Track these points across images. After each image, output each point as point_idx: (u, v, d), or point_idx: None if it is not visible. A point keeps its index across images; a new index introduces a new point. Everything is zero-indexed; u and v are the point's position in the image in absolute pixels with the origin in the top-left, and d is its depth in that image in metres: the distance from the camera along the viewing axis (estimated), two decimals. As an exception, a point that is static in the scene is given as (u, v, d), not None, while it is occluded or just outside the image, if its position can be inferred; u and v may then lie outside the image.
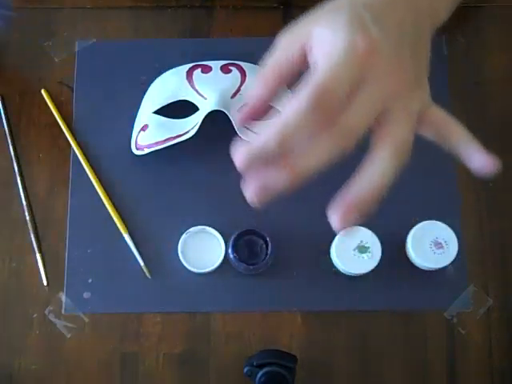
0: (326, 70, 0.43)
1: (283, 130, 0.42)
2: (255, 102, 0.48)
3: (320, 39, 0.46)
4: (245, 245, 0.71)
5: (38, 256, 0.71)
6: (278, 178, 0.44)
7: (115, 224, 0.72)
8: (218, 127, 0.71)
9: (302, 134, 0.42)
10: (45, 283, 0.71)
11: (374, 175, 0.45)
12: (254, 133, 0.69)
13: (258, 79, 0.48)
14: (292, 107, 0.42)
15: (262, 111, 0.49)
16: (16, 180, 0.73)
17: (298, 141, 0.43)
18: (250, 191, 0.44)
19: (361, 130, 0.45)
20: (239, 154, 0.43)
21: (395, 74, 0.47)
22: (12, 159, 0.74)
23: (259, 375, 0.65)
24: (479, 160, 0.48)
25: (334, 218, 0.44)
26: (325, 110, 0.43)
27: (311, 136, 0.43)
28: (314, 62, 0.45)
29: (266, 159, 0.43)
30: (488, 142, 0.75)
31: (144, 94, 0.75)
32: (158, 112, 0.72)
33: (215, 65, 0.73)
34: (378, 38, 0.45)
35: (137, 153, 0.72)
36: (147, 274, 0.71)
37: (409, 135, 0.47)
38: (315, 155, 0.44)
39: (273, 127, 0.42)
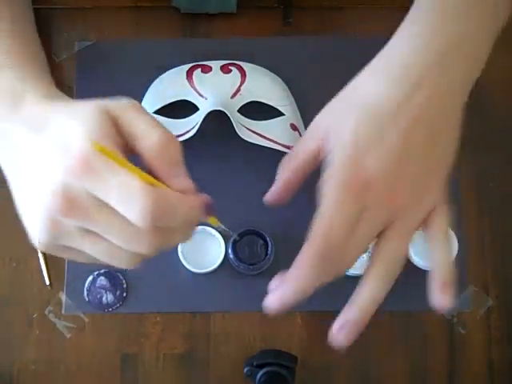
0: (325, 220, 0.46)
1: (300, 286, 0.48)
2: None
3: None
4: (245, 245, 0.71)
5: (40, 256, 0.71)
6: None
7: (115, 224, 0.72)
8: (218, 127, 0.71)
9: (315, 281, 0.48)
10: (47, 283, 0.71)
11: (365, 301, 0.49)
12: (254, 132, 0.69)
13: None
14: (303, 263, 0.47)
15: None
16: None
17: (313, 285, 0.48)
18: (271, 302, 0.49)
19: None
20: (274, 302, 0.49)
21: (398, 193, 0.47)
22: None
23: (259, 375, 0.65)
24: (437, 298, 0.50)
25: (335, 338, 0.49)
26: (330, 258, 0.47)
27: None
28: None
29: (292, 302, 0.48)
30: (488, 141, 0.75)
31: (144, 94, 0.75)
32: (157, 112, 0.72)
33: (215, 65, 0.73)
34: (372, 168, 0.45)
35: (137, 153, 0.72)
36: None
37: (404, 249, 0.49)
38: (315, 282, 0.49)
39: (291, 283, 0.48)
